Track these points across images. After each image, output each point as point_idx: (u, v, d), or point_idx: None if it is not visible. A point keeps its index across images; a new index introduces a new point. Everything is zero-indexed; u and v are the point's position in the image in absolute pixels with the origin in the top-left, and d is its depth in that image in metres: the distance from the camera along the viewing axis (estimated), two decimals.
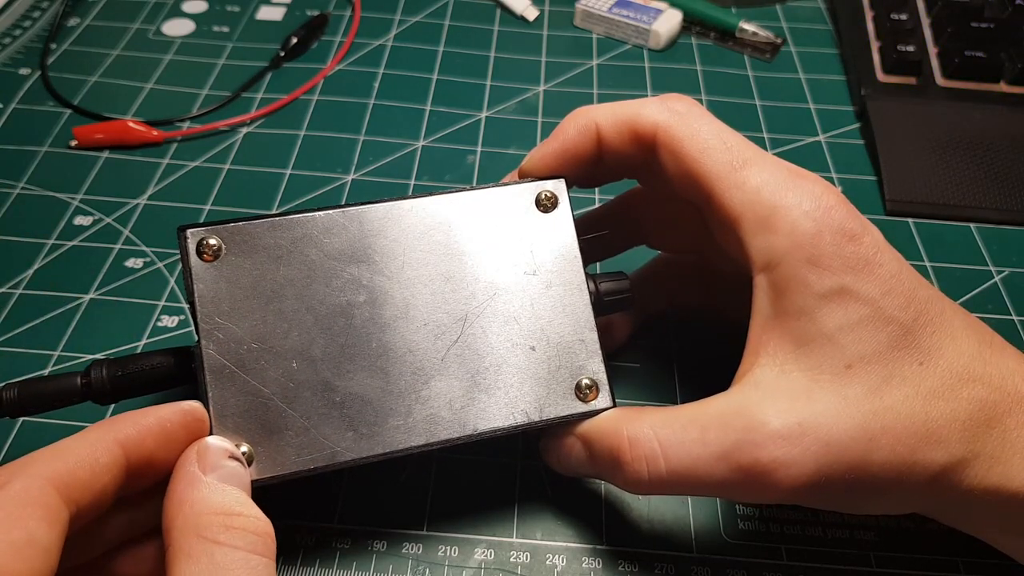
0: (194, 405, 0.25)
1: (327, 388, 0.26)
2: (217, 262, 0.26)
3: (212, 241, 0.26)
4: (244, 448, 0.25)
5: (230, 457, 0.24)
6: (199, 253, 0.26)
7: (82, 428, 0.31)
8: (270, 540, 0.22)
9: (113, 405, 0.32)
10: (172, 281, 0.38)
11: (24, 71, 0.48)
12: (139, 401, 0.31)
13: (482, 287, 0.28)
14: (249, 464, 0.25)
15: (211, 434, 0.25)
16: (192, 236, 0.26)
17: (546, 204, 0.29)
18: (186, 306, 0.37)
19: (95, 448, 0.22)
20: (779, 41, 0.53)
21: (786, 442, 0.23)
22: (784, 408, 0.23)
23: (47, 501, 0.20)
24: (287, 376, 0.26)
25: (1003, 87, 0.48)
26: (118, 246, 0.39)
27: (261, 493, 0.24)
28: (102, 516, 0.23)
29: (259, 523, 0.22)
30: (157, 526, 0.22)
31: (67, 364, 0.34)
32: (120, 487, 0.22)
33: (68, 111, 0.46)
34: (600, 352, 0.28)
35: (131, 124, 0.44)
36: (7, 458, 0.31)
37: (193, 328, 0.26)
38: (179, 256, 0.38)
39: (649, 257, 0.36)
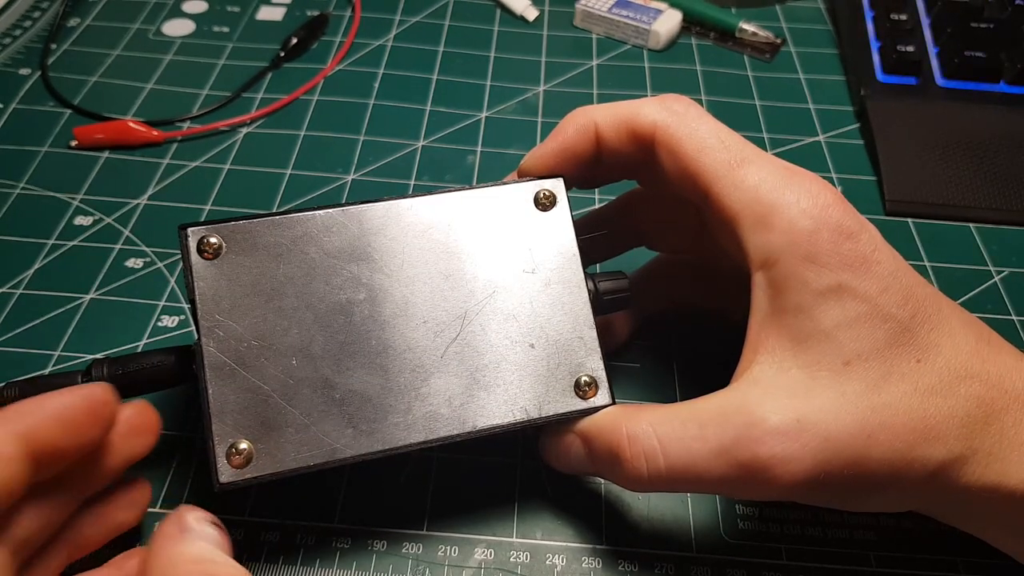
0: (98, 390, 0.24)
1: (327, 385, 0.26)
2: (218, 260, 0.26)
3: (213, 239, 0.26)
4: (244, 445, 0.25)
5: (211, 523, 0.24)
6: (200, 251, 0.26)
7: None
8: None
9: None
10: (172, 281, 0.38)
11: (24, 71, 0.49)
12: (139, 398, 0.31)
13: (481, 285, 0.28)
14: (248, 461, 0.25)
15: (208, 431, 0.25)
16: (193, 234, 0.26)
17: (545, 203, 0.29)
18: (186, 306, 0.37)
19: None
20: (779, 41, 0.53)
21: (785, 438, 0.23)
22: (783, 404, 0.24)
23: None
24: (287, 373, 0.26)
25: (1003, 87, 0.48)
26: (118, 246, 0.39)
27: (261, 491, 0.24)
28: (16, 505, 0.23)
29: (238, 571, 0.22)
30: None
31: (67, 364, 0.34)
32: (27, 477, 0.22)
33: (68, 111, 0.46)
34: (599, 349, 0.28)
35: (131, 124, 0.44)
36: None
37: (193, 326, 0.26)
38: (180, 255, 0.38)
39: (649, 258, 0.36)
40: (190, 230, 0.26)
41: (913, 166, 0.44)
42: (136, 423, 0.26)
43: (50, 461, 0.23)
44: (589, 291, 0.28)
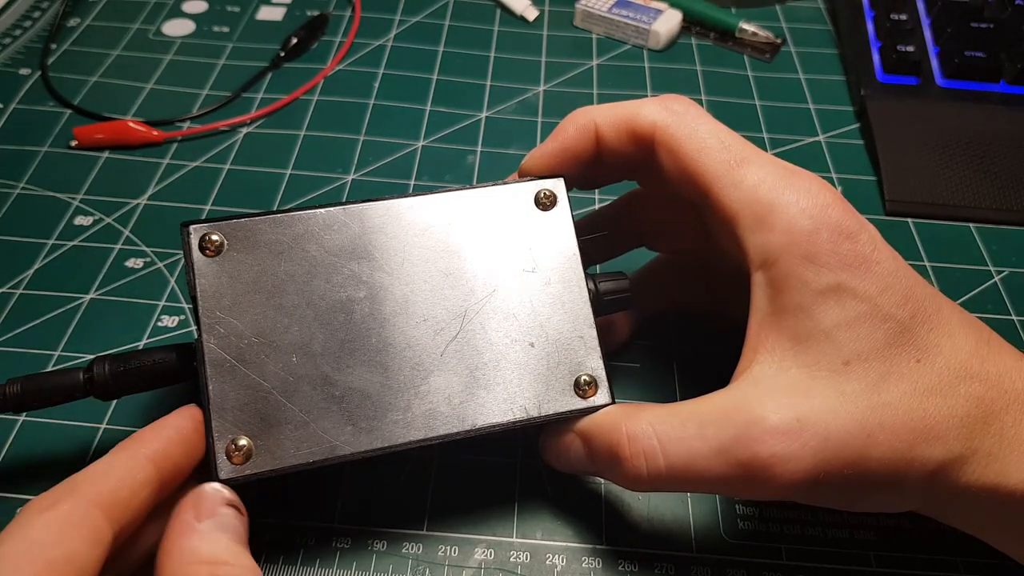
0: (197, 410, 0.25)
1: (326, 382, 0.26)
2: (219, 257, 0.26)
3: (214, 237, 0.26)
4: (243, 441, 0.25)
5: (227, 504, 0.24)
6: (202, 248, 0.26)
7: (83, 427, 0.32)
8: None
9: (115, 401, 0.32)
10: (172, 281, 0.38)
11: (24, 71, 0.49)
12: (141, 397, 0.31)
13: (481, 284, 0.28)
14: (248, 458, 0.25)
15: (207, 431, 0.25)
16: (195, 231, 0.26)
17: (545, 203, 0.29)
18: (186, 306, 0.37)
19: (131, 467, 0.23)
20: (779, 41, 0.53)
21: (785, 437, 0.23)
22: (782, 404, 0.24)
23: (92, 523, 0.21)
24: (287, 370, 0.26)
25: (1003, 87, 0.48)
26: (118, 246, 0.39)
27: (261, 489, 0.24)
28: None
29: (247, 572, 0.22)
30: None
31: (67, 364, 0.34)
32: (154, 501, 0.23)
33: (68, 111, 0.46)
34: (599, 348, 0.28)
35: (131, 124, 0.44)
36: (9, 455, 0.31)
37: (194, 323, 0.26)
38: (180, 256, 0.39)
39: (649, 258, 0.36)
40: (192, 227, 0.26)
41: (913, 166, 0.44)
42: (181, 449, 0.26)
43: (172, 480, 0.24)
44: (590, 291, 0.28)
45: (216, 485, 0.24)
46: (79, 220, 0.40)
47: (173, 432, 0.24)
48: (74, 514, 0.21)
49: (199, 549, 0.22)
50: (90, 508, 0.21)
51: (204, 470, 0.25)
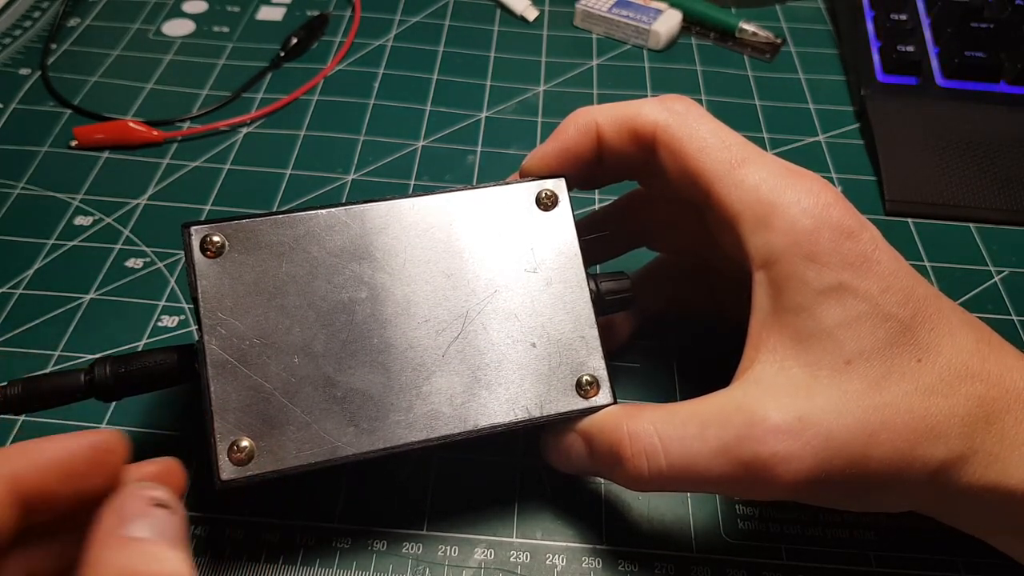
0: (106, 437, 0.22)
1: (328, 383, 0.26)
2: (220, 258, 0.26)
3: (216, 238, 0.26)
4: (245, 443, 0.25)
5: (156, 504, 0.21)
6: (203, 249, 0.26)
7: (83, 427, 0.32)
8: None
9: (115, 403, 0.32)
10: (172, 281, 0.38)
11: (24, 71, 0.49)
12: (141, 398, 0.31)
13: (483, 284, 0.28)
14: (250, 459, 0.25)
15: (210, 430, 0.24)
16: (196, 233, 0.26)
17: (546, 203, 0.29)
18: (186, 306, 0.37)
19: None
20: (779, 41, 0.53)
21: (786, 436, 0.23)
22: (784, 403, 0.24)
23: None
24: (289, 371, 0.26)
25: (1003, 87, 0.48)
26: (118, 246, 0.39)
27: (261, 489, 0.24)
28: (5, 550, 0.21)
29: None
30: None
31: (67, 364, 0.34)
32: (16, 524, 0.20)
33: (68, 111, 0.46)
34: (601, 349, 0.28)
35: (131, 124, 0.44)
36: None
37: (195, 324, 0.26)
38: (180, 256, 0.39)
39: (650, 258, 0.36)
40: (193, 228, 0.26)
41: (913, 166, 0.44)
42: (159, 481, 0.23)
43: (43, 507, 0.21)
44: (591, 291, 0.28)
45: (144, 484, 0.22)
46: (79, 220, 0.40)
47: (53, 458, 0.21)
48: None
49: (116, 562, 0.19)
50: None
51: (205, 470, 0.25)
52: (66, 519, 0.21)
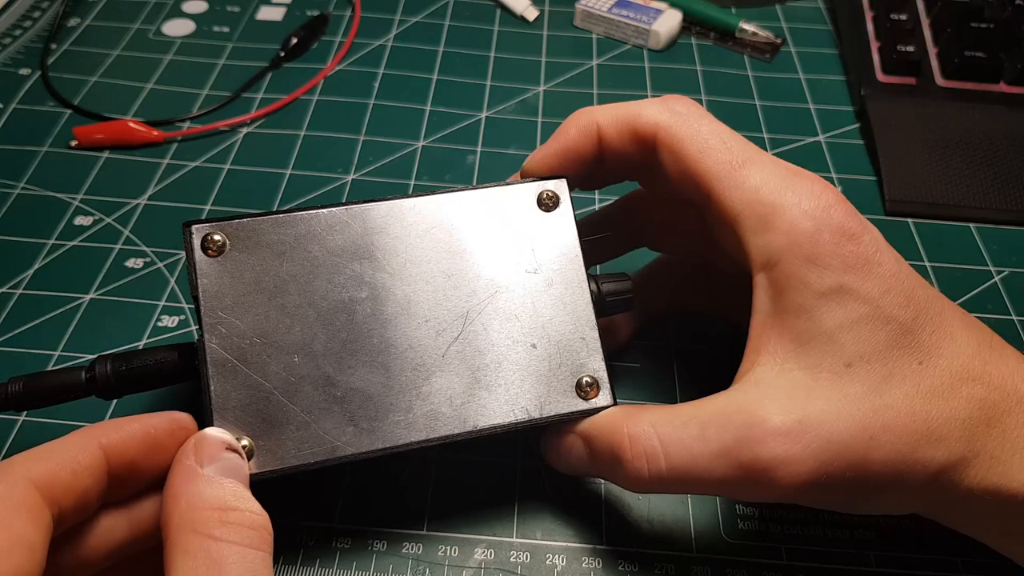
0: (183, 416, 0.24)
1: (328, 383, 0.26)
2: (221, 257, 0.26)
3: (217, 237, 0.26)
4: (245, 442, 0.25)
5: (228, 449, 0.23)
6: (204, 248, 0.26)
7: (83, 426, 0.32)
8: (267, 534, 0.22)
9: (116, 400, 0.32)
10: (172, 281, 0.38)
11: (24, 71, 0.48)
12: (142, 397, 0.31)
13: (483, 285, 0.28)
14: (249, 458, 0.25)
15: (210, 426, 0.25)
16: (197, 231, 0.26)
17: (548, 203, 0.29)
18: (186, 306, 0.37)
19: (76, 450, 0.22)
20: (779, 41, 0.53)
21: (787, 439, 0.23)
22: (785, 406, 0.23)
23: (31, 503, 0.20)
24: (288, 370, 0.26)
25: (1003, 87, 0.48)
26: (118, 246, 0.39)
27: (261, 489, 0.24)
28: (91, 520, 0.23)
29: (256, 517, 0.22)
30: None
31: (67, 364, 0.34)
32: (103, 490, 0.22)
33: (68, 111, 0.46)
34: (601, 350, 0.28)
35: (131, 124, 0.44)
36: (8, 455, 0.31)
37: (196, 323, 0.26)
38: (180, 256, 0.39)
39: (650, 259, 0.36)
40: (194, 227, 0.26)
41: (913, 166, 0.44)
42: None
43: (127, 477, 0.23)
44: (592, 292, 0.28)
45: (216, 429, 0.24)
46: (79, 220, 0.40)
47: (138, 428, 0.23)
48: (11, 495, 0.20)
49: (205, 494, 0.22)
50: (27, 487, 0.20)
51: None
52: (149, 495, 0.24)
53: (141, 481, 0.24)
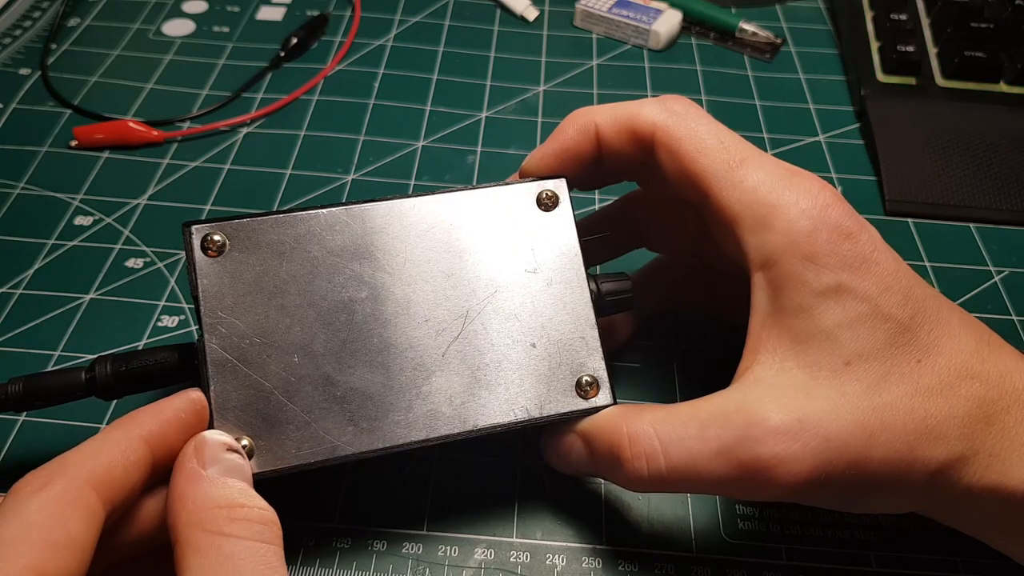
0: (193, 392, 0.25)
1: (328, 383, 0.26)
2: (221, 257, 0.26)
3: (216, 237, 0.26)
4: (245, 442, 0.25)
5: (229, 450, 0.24)
6: (204, 248, 0.26)
7: (83, 426, 0.32)
8: (276, 528, 0.22)
9: (116, 401, 0.32)
10: (172, 281, 0.38)
11: (24, 71, 0.49)
12: (142, 397, 0.31)
13: (483, 284, 0.28)
14: (250, 457, 0.25)
15: (210, 427, 0.25)
16: (197, 232, 0.26)
17: (547, 203, 0.29)
18: (186, 306, 0.37)
19: (124, 447, 0.22)
20: (779, 41, 0.53)
21: (786, 438, 0.23)
22: (784, 404, 0.24)
23: (86, 502, 0.21)
24: (288, 370, 0.26)
25: (1003, 87, 0.48)
26: (118, 246, 0.39)
27: (261, 488, 0.24)
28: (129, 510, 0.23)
29: (264, 512, 0.22)
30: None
31: (67, 364, 0.34)
32: (147, 481, 0.23)
33: (68, 111, 0.46)
34: (601, 349, 0.28)
35: (131, 124, 0.44)
36: (8, 455, 0.31)
37: (196, 323, 0.26)
38: (180, 256, 0.39)
39: (650, 259, 0.36)
40: (194, 227, 0.26)
41: (913, 166, 0.44)
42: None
43: (167, 460, 0.23)
44: (592, 292, 0.28)
45: (216, 432, 0.24)
46: (79, 220, 0.40)
47: (171, 414, 0.24)
48: (68, 493, 0.20)
49: (211, 493, 0.22)
50: (84, 487, 0.21)
51: None
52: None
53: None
